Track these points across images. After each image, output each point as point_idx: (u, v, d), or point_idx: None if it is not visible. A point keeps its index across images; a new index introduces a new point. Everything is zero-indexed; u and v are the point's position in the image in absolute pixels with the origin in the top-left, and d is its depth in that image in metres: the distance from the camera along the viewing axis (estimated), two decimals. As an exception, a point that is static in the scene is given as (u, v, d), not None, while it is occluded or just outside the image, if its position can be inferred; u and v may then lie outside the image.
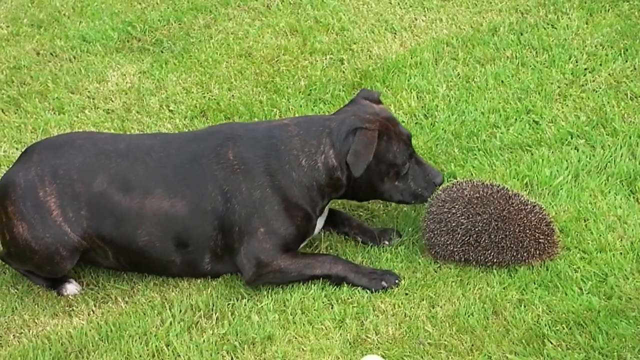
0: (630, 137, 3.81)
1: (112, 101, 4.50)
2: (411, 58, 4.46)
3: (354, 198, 3.55)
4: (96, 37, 4.98)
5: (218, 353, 3.20)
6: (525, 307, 3.19)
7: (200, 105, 4.39)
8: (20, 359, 3.28)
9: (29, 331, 3.38)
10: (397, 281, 3.34)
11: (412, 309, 3.25)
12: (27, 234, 3.36)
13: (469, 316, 3.19)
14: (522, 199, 3.32)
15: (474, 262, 3.34)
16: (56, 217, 3.35)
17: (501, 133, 3.94)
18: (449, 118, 4.07)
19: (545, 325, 3.11)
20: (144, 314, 3.37)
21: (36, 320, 3.42)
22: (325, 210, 3.53)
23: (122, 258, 3.45)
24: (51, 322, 3.40)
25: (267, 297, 3.37)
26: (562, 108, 4.04)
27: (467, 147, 3.90)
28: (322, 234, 3.60)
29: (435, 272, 3.38)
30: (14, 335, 3.38)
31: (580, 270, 3.28)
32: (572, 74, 4.22)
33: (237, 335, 3.24)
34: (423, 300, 3.28)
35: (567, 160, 3.74)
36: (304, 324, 3.25)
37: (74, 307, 3.45)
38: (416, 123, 4.08)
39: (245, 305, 3.35)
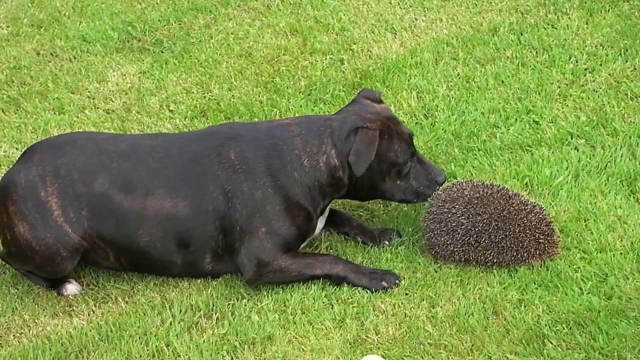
0: (630, 137, 3.81)
1: (112, 101, 4.50)
2: (411, 58, 4.46)
3: (356, 198, 3.55)
4: (96, 37, 4.97)
5: (218, 353, 3.19)
6: (525, 307, 3.19)
7: (200, 105, 4.39)
8: (20, 359, 3.27)
9: (29, 331, 3.38)
10: (397, 281, 3.34)
11: (412, 309, 3.25)
12: (28, 234, 3.36)
13: (469, 316, 3.19)
14: (522, 199, 3.32)
15: (474, 262, 3.34)
16: (57, 217, 3.35)
17: (501, 133, 3.94)
18: (449, 118, 4.07)
19: (546, 325, 3.11)
20: (144, 314, 3.37)
21: (36, 320, 3.42)
22: (326, 211, 3.53)
23: (123, 259, 3.45)
24: (51, 322, 3.40)
25: (267, 297, 3.37)
26: (562, 108, 4.04)
27: (467, 147, 3.90)
28: (323, 234, 3.60)
29: (436, 272, 3.38)
30: (14, 335, 3.38)
31: (581, 270, 3.28)
32: (572, 74, 4.22)
33: (237, 335, 3.24)
34: (423, 300, 3.28)
35: (567, 161, 3.74)
36: (304, 324, 3.25)
37: (74, 307, 3.45)
38: (416, 123, 4.08)
39: (245, 305, 3.35)
